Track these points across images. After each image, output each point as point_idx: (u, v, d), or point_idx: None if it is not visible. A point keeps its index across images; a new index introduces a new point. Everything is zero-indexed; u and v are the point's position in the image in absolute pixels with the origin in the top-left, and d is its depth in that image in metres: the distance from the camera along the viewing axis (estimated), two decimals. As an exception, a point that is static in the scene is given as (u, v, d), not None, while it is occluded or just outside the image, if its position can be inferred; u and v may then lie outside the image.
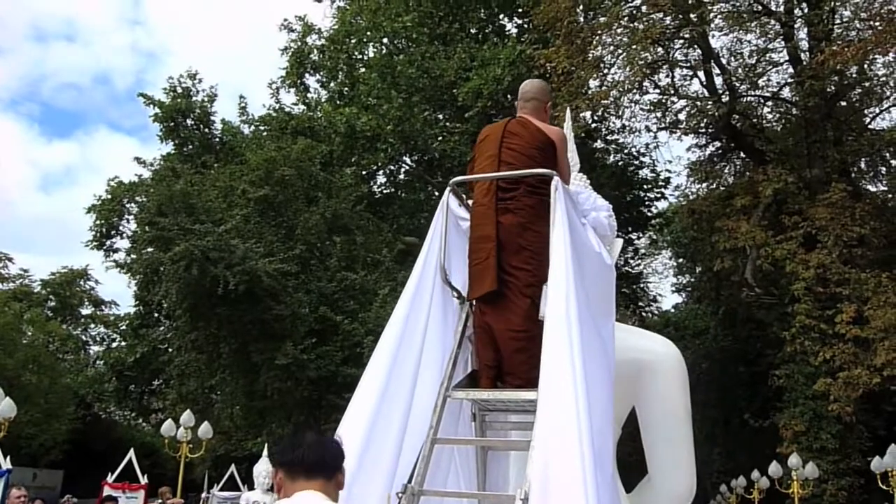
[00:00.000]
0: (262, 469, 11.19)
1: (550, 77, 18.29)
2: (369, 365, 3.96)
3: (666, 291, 59.01)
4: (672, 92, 20.45)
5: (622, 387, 4.78)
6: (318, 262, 16.91)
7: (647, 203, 25.01)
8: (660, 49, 19.82)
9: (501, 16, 23.57)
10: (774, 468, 15.54)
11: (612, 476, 3.86)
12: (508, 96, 19.17)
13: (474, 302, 4.27)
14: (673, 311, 36.42)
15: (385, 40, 20.83)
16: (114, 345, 29.25)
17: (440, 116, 20.15)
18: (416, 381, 4.00)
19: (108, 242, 19.40)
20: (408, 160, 21.72)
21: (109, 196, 19.13)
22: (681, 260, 34.55)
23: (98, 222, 18.98)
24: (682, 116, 20.31)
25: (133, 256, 17.18)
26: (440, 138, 18.82)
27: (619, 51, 19.04)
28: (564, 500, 3.15)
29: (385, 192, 21.98)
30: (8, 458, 15.84)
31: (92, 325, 37.53)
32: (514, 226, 4.17)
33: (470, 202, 4.49)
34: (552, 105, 17.47)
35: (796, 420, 17.30)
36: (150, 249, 14.51)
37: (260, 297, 14.47)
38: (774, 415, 19.00)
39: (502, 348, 4.06)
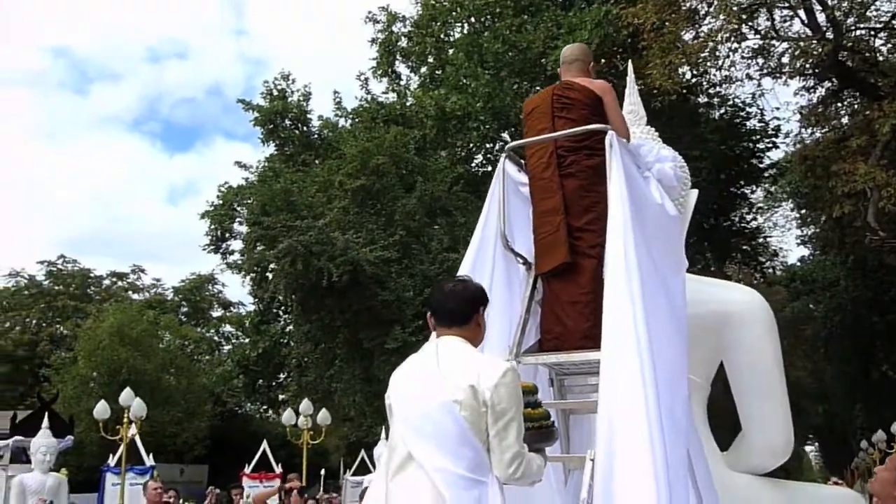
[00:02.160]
0: (380, 452, 11.46)
1: (640, 35, 17.78)
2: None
3: (791, 245, 56.70)
4: (773, 35, 19.47)
5: (706, 340, 4.65)
6: (420, 246, 17.09)
7: (758, 154, 23.97)
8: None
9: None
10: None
11: (688, 431, 3.75)
12: (601, 60, 18.79)
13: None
14: (799, 264, 34.94)
15: (471, 19, 20.73)
16: (237, 342, 30.61)
17: (531, 89, 19.94)
18: (483, 349, 4.00)
19: (223, 246, 20.34)
20: (506, 135, 21.61)
21: (221, 201, 19.99)
22: (803, 211, 32.99)
23: (212, 227, 19.87)
24: (785, 59, 19.32)
25: (244, 257, 17.87)
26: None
27: (712, -2, 18.27)
28: (630, 457, 3.10)
29: (483, 170, 21.98)
30: (151, 455, 16.95)
31: (223, 327, 39.35)
32: (577, 189, 4.11)
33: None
34: (645, 63, 16.96)
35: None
36: (259, 248, 15.05)
37: (365, 284, 14.78)
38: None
39: (569, 313, 4.01)
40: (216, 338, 40.46)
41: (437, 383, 2.79)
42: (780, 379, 4.60)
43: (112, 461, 15.68)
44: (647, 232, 3.89)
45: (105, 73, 77.78)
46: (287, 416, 14.40)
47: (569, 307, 3.98)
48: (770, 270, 29.34)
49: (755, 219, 26.73)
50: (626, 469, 3.07)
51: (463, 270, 4.15)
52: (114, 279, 37.72)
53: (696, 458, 3.83)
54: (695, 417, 4.56)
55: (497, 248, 4.21)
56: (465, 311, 3.00)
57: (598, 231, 3.95)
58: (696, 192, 5.02)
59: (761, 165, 24.01)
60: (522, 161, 4.52)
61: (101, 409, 13.49)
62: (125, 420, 13.32)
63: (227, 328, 37.23)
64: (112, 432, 14.27)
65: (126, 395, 13.57)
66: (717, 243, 25.81)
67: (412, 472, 2.75)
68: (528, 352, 4.12)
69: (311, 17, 73.09)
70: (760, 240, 26.96)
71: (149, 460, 16.09)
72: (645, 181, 4.19)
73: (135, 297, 36.90)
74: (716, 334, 4.63)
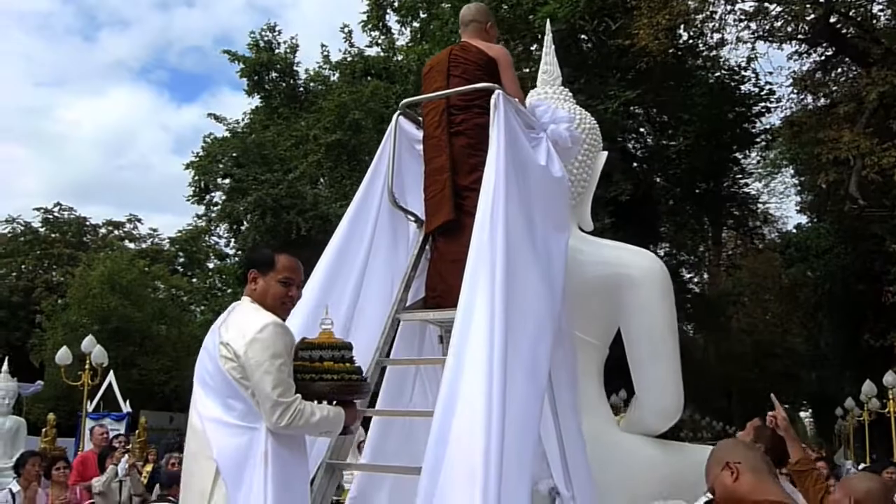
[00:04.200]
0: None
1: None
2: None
3: (791, 212, 56.48)
4: (768, -2, 19.16)
5: (602, 301, 4.69)
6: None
7: (751, 119, 23.75)
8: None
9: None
10: (867, 387, 14.74)
11: (557, 387, 3.79)
12: (586, 17, 18.56)
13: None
14: (794, 231, 34.80)
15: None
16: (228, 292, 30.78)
17: (518, 46, 19.71)
18: (357, 301, 4.05)
19: (206, 197, 20.31)
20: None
21: (205, 153, 19.93)
22: (803, 178, 32.75)
23: (195, 178, 19.85)
24: (778, 24, 19.04)
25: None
26: (518, 66, 18.41)
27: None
28: (466, 414, 3.13)
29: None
30: (127, 401, 17.21)
31: (213, 278, 39.51)
32: (465, 147, 4.13)
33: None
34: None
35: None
36: (223, 199, 15.03)
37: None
38: (891, 334, 18.01)
39: (451, 271, 4.03)
40: (212, 289, 40.70)
41: (214, 340, 3.04)
42: (673, 344, 4.63)
43: (90, 407, 15.92)
44: (527, 192, 3.90)
45: (114, 19, 77.10)
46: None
47: (451, 265, 4.00)
48: (762, 236, 29.23)
49: (746, 184, 26.52)
50: (460, 432, 3.09)
51: (342, 225, 4.17)
52: (110, 228, 37.85)
53: (566, 412, 3.88)
54: (587, 378, 4.63)
55: (383, 204, 4.23)
56: (243, 274, 3.33)
57: None
58: (605, 153, 5.02)
59: (753, 130, 23.81)
60: (420, 119, 4.52)
61: (63, 355, 13.65)
62: (86, 367, 13.49)
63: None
64: (93, 378, 14.40)
65: (88, 342, 13.74)
66: (710, 208, 25.74)
67: (194, 420, 3.00)
68: (412, 308, 4.17)
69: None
70: (751, 205, 26.78)
71: (125, 406, 16.33)
72: (535, 142, 4.19)
73: (130, 246, 37.04)
74: (611, 296, 4.65)
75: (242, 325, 2.98)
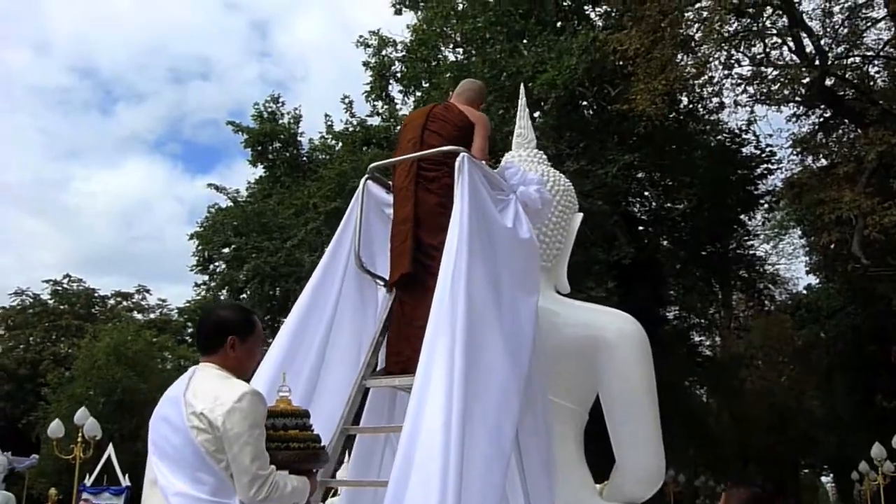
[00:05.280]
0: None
1: (630, 61, 17.74)
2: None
3: (801, 273, 56.18)
4: (764, 62, 19.41)
5: (579, 366, 4.60)
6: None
7: (754, 181, 23.81)
8: (745, 19, 18.93)
9: (584, 3, 23.15)
10: (877, 450, 14.40)
11: (526, 452, 3.71)
12: (585, 84, 18.81)
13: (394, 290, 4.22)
14: (805, 292, 34.53)
15: (458, 47, 20.87)
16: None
17: (517, 114, 19.94)
18: (321, 367, 3.98)
19: (211, 267, 20.39)
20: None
21: (209, 223, 20.09)
22: (812, 238, 32.65)
23: (198, 248, 19.97)
24: (774, 87, 19.24)
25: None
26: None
27: (700, 25, 18.26)
28: (421, 482, 3.05)
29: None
30: (127, 475, 16.97)
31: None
32: (435, 206, 4.10)
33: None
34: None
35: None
36: (223, 268, 15.08)
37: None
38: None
39: (419, 335, 3.97)
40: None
41: (180, 409, 2.84)
42: (652, 406, 4.51)
43: (88, 481, 15.73)
44: (493, 254, 3.87)
45: (130, 93, 78.84)
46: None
47: (418, 330, 3.94)
48: (771, 298, 29.01)
49: (753, 245, 26.44)
50: (414, 500, 3.01)
51: (307, 289, 4.14)
52: (119, 299, 38.00)
53: (536, 475, 3.79)
54: (564, 443, 4.51)
55: (349, 268, 4.20)
56: (213, 339, 3.01)
57: None
58: (580, 215, 4.99)
59: (756, 192, 23.84)
60: (390, 183, 4.53)
61: (55, 428, 13.52)
62: (79, 440, 13.35)
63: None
64: (86, 451, 14.26)
65: (80, 415, 13.62)
66: (718, 270, 25.62)
67: (154, 498, 2.81)
68: (379, 374, 4.10)
69: (334, 39, 73.67)
70: (758, 267, 26.65)
71: (124, 480, 16.10)
72: (502, 204, 4.18)
73: (139, 317, 37.11)
74: (588, 359, 4.57)
75: (217, 395, 2.82)
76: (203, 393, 2.84)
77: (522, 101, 5.34)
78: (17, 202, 64.78)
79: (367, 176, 4.46)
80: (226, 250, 18.36)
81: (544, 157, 5.13)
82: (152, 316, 38.59)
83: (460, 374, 3.24)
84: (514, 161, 4.85)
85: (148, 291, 38.44)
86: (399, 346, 4.03)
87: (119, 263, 70.28)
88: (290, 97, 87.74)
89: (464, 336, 3.35)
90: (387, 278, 4.28)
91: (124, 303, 38.06)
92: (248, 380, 3.12)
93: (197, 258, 19.91)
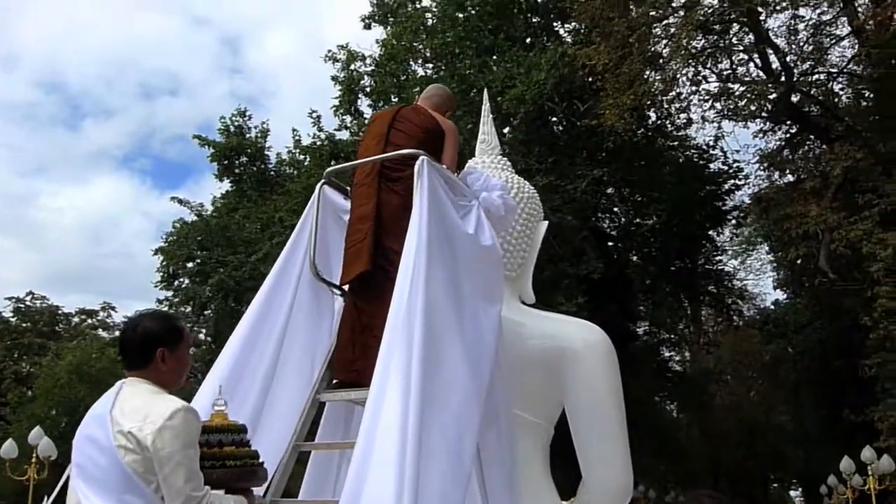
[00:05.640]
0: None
1: (599, 76, 17.79)
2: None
3: (768, 288, 56.73)
4: (731, 78, 19.59)
5: (545, 378, 4.44)
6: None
7: (721, 197, 23.97)
8: (712, 36, 19.11)
9: (553, 19, 23.23)
10: (846, 464, 14.44)
11: (488, 466, 3.55)
12: (555, 99, 18.85)
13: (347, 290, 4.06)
14: (772, 307, 34.83)
15: (428, 58, 20.85)
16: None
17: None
18: (272, 381, 3.79)
19: (176, 283, 20.05)
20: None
21: (175, 237, 19.77)
22: (779, 253, 32.94)
23: (163, 263, 19.62)
24: (741, 103, 19.41)
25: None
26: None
27: (668, 41, 18.39)
28: (373, 499, 2.87)
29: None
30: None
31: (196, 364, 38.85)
32: (397, 207, 3.93)
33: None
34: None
35: (892, 412, 16.13)
36: (187, 283, 14.85)
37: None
38: (870, 409, 17.78)
39: (375, 346, 3.81)
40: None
41: (106, 428, 2.67)
42: (619, 420, 4.36)
43: (46, 503, 15.24)
44: (453, 261, 3.72)
45: (98, 109, 77.81)
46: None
47: (376, 340, 3.77)
48: (739, 313, 29.15)
49: (721, 261, 26.60)
50: None
51: (259, 296, 3.97)
52: (83, 316, 37.29)
53: (497, 491, 3.64)
54: (530, 459, 4.35)
55: (303, 276, 4.03)
56: (142, 354, 2.83)
57: None
58: (545, 223, 4.86)
59: (724, 208, 24.01)
60: (348, 188, 4.38)
61: (8, 448, 13.11)
62: (33, 460, 12.95)
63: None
64: (40, 473, 13.80)
65: (35, 434, 13.24)
66: (686, 286, 25.71)
67: None
68: (334, 388, 3.93)
69: (306, 55, 73.40)
70: (727, 282, 26.80)
71: (84, 502, 15.61)
72: (464, 210, 4.03)
73: (104, 334, 36.40)
74: (553, 371, 4.41)
75: (146, 412, 2.65)
76: (131, 410, 2.66)
77: (486, 106, 5.21)
78: (-19, 218, 63.50)
79: (323, 181, 4.29)
80: (190, 265, 18.06)
81: (508, 163, 4.99)
82: (117, 333, 37.89)
83: (417, 387, 3.08)
84: (477, 167, 4.70)
85: (113, 309, 37.73)
86: (353, 355, 3.85)
87: (86, 280, 69.03)
88: (261, 113, 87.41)
89: (421, 345, 3.20)
90: (344, 288, 4.11)
91: (89, 320, 37.32)
92: (181, 388, 2.94)
93: (161, 274, 19.59)
